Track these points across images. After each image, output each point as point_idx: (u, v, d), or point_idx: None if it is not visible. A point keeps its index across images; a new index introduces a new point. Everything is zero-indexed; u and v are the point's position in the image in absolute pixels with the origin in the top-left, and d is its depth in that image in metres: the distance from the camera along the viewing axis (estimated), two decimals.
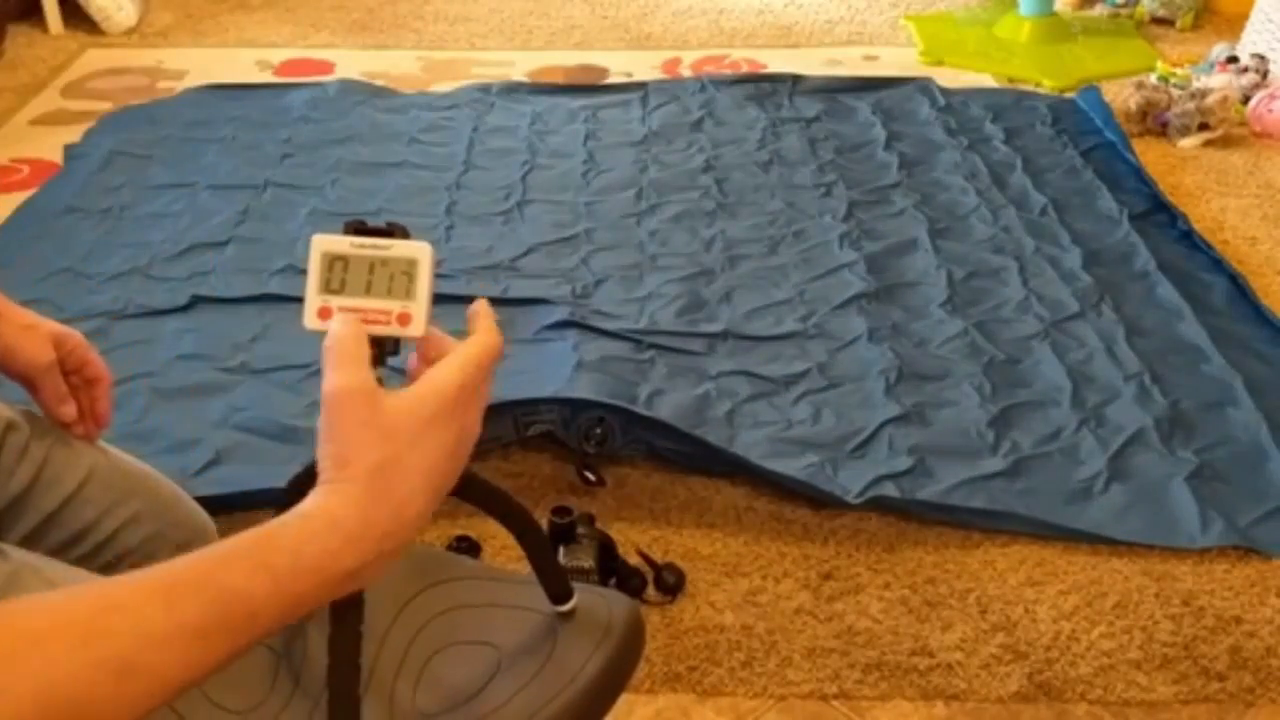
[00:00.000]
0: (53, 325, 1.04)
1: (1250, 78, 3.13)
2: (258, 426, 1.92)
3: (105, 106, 3.15)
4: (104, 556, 1.05)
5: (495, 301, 2.24)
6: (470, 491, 0.90)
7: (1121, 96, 3.08)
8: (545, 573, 0.90)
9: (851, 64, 3.47)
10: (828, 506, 1.78)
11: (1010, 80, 3.36)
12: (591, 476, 1.80)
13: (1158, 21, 3.76)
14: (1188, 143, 2.96)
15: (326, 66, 3.46)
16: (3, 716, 0.53)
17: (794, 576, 1.67)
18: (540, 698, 0.84)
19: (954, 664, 1.54)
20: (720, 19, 3.83)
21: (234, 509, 1.72)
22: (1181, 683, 1.51)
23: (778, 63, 3.45)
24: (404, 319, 0.73)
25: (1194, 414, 1.97)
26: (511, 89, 3.23)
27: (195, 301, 2.25)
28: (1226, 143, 2.98)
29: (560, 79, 3.37)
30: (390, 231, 0.76)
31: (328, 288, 0.74)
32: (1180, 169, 2.86)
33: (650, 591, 1.63)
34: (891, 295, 2.29)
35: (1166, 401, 1.99)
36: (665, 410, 1.92)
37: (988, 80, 3.36)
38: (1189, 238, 2.51)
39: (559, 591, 0.90)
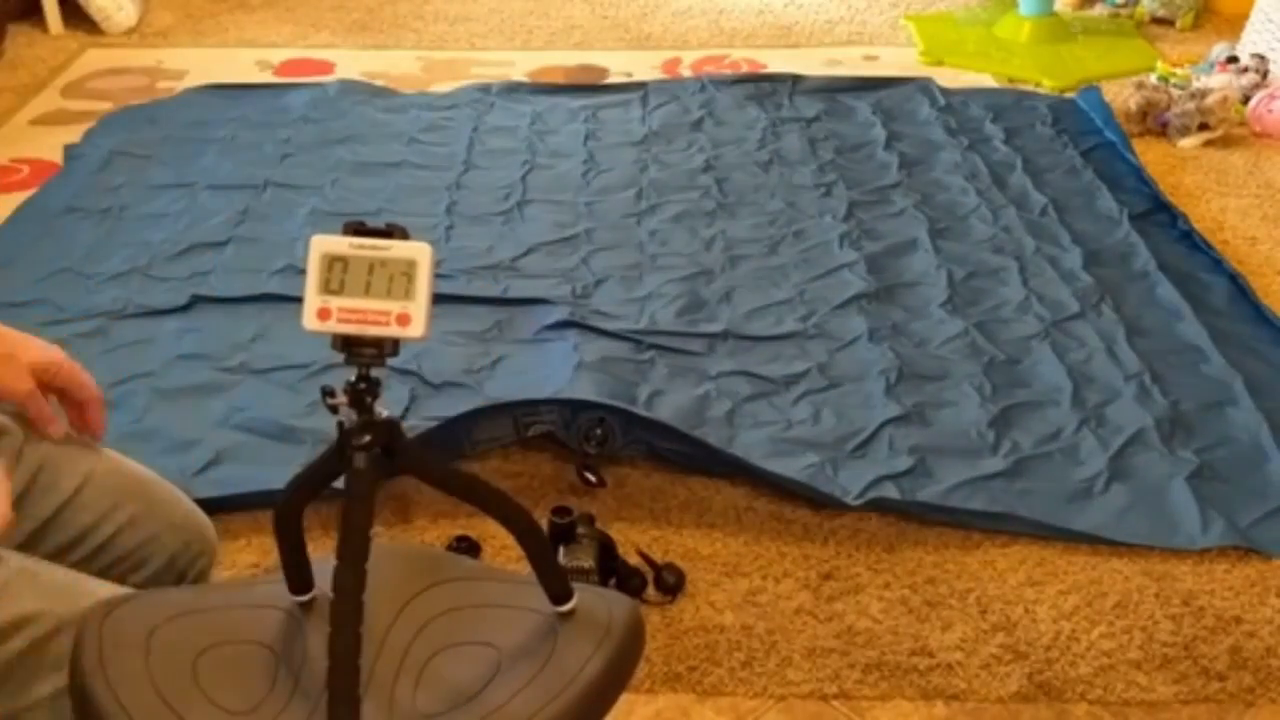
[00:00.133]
0: (35, 353, 1.02)
1: (1250, 78, 3.13)
2: (258, 426, 1.92)
3: (105, 106, 3.14)
4: (102, 560, 1.05)
5: (495, 302, 2.26)
6: (470, 492, 0.90)
7: (1121, 96, 3.08)
8: (545, 573, 0.90)
9: (851, 64, 3.47)
10: (828, 506, 1.78)
11: (1010, 80, 3.36)
12: (592, 478, 1.80)
13: (1158, 21, 3.77)
14: (1188, 143, 2.96)
15: (326, 66, 3.46)
16: None
17: (794, 576, 1.67)
18: (540, 698, 0.84)
19: (954, 664, 1.54)
20: (720, 19, 3.83)
21: (234, 509, 1.73)
22: (1181, 683, 1.51)
23: (778, 63, 3.45)
24: (403, 319, 0.73)
25: (1194, 414, 1.97)
26: (511, 89, 3.23)
27: (195, 301, 2.25)
28: (1226, 143, 2.98)
29: (560, 79, 3.37)
30: (389, 232, 0.76)
31: (327, 288, 0.74)
32: (1180, 169, 2.86)
33: (650, 591, 1.63)
34: (891, 295, 2.29)
35: (1167, 401, 1.99)
36: (665, 410, 1.92)
37: (988, 80, 3.36)
38: (1189, 238, 2.51)
39: (559, 592, 0.90)
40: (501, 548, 1.68)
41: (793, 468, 1.82)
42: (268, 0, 3.97)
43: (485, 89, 3.22)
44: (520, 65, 3.47)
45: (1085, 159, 2.83)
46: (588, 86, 3.30)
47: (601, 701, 0.87)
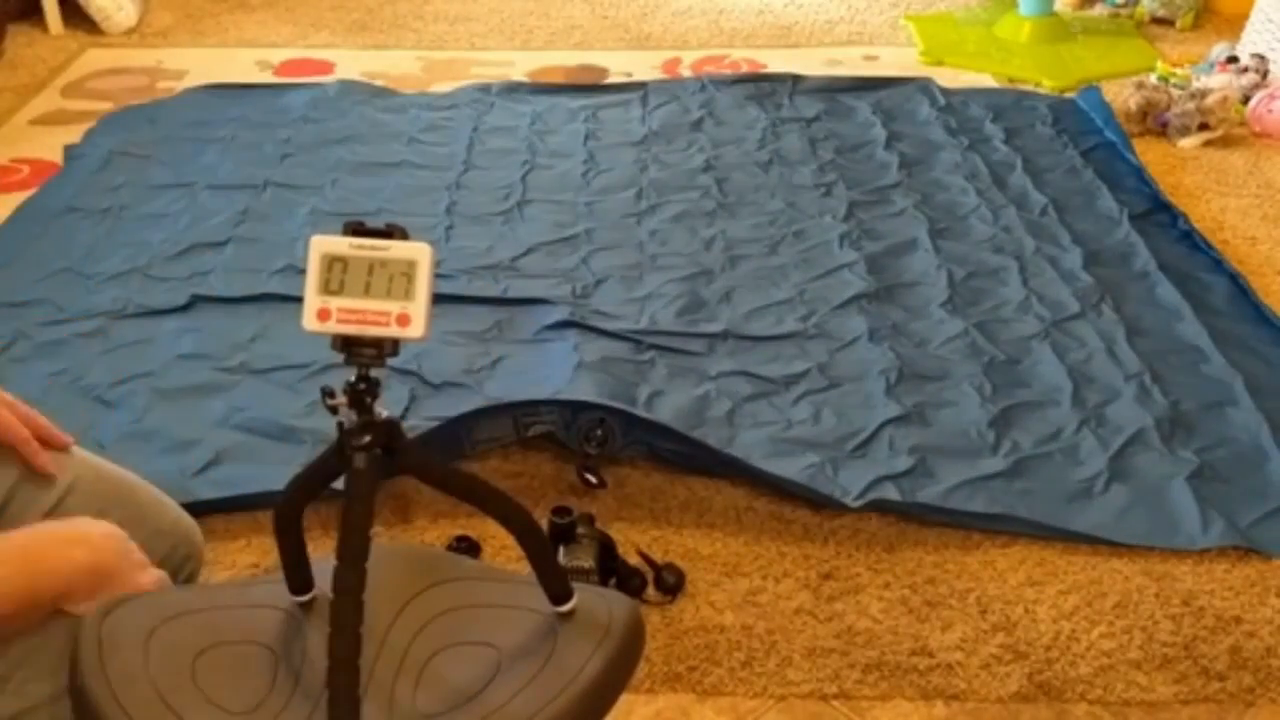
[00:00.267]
0: None
1: (1250, 78, 3.13)
2: (257, 426, 1.92)
3: (105, 106, 3.14)
4: None
5: (495, 301, 2.26)
6: (470, 492, 0.90)
7: (1122, 96, 3.08)
8: (545, 573, 0.90)
9: (851, 64, 3.47)
10: (828, 507, 1.78)
11: (1010, 80, 3.36)
12: (593, 479, 1.80)
13: (1158, 21, 3.76)
14: (1188, 143, 2.96)
15: (326, 66, 3.46)
16: None
17: (794, 576, 1.67)
18: (540, 698, 0.84)
19: (954, 664, 1.54)
20: (720, 19, 3.83)
21: (234, 509, 1.73)
22: (1181, 683, 1.51)
23: (778, 63, 3.45)
24: (403, 320, 0.74)
25: (1194, 414, 1.97)
26: (511, 89, 3.23)
27: (195, 301, 2.25)
28: (1226, 143, 2.98)
29: (560, 79, 3.37)
30: (389, 233, 0.76)
31: (327, 289, 0.74)
32: (1180, 169, 2.86)
33: (650, 591, 1.63)
34: (891, 295, 2.29)
35: (1167, 401, 1.99)
36: (665, 410, 1.92)
37: (988, 80, 3.36)
38: (1189, 238, 2.51)
39: (559, 592, 0.90)
40: (501, 548, 1.68)
41: (793, 468, 1.82)
42: (268, 0, 3.97)
43: (485, 89, 3.22)
44: (520, 65, 3.47)
45: (1085, 159, 2.83)
46: (588, 86, 3.30)
47: (601, 701, 0.87)
